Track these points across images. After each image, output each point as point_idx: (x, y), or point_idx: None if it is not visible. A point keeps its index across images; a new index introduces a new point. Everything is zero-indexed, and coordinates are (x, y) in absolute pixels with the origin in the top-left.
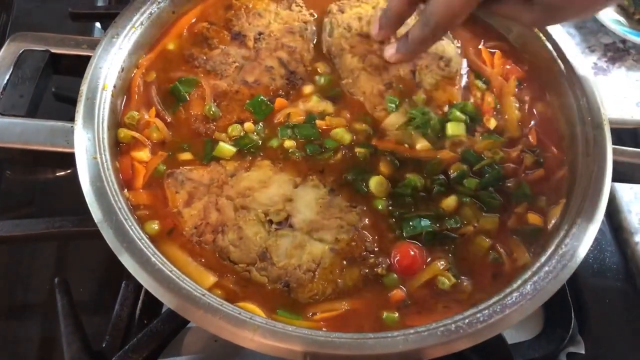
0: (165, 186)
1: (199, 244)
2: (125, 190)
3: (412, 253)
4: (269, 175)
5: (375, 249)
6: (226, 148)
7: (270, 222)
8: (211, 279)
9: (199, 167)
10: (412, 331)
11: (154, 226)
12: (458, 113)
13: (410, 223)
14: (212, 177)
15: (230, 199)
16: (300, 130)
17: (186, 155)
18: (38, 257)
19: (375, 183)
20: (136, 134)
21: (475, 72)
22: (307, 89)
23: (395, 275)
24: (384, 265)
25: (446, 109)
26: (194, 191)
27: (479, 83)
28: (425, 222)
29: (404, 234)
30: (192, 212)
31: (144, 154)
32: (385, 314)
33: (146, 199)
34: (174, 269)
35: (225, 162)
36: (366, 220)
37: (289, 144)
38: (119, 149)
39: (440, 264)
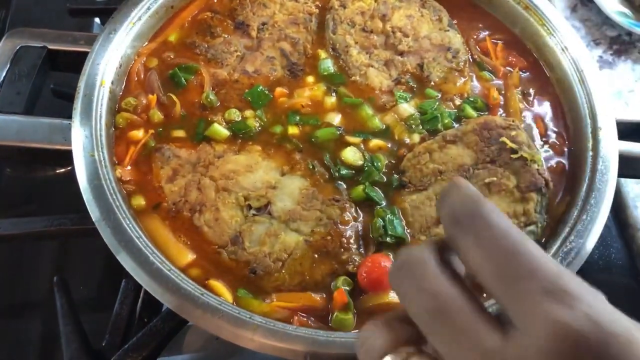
0: (152, 160)
1: (175, 220)
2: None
3: (385, 266)
4: (257, 160)
5: (352, 246)
6: (219, 130)
7: (249, 207)
8: (189, 256)
9: (189, 146)
10: None
11: (140, 201)
12: (470, 110)
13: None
14: (199, 156)
15: (213, 180)
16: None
17: (179, 133)
18: (38, 255)
19: (349, 153)
20: (133, 116)
21: (479, 63)
22: (310, 78)
23: (346, 279)
24: (356, 263)
25: (457, 101)
26: (179, 168)
27: (486, 74)
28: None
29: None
30: (174, 189)
31: (139, 133)
32: (337, 315)
33: (134, 174)
34: (173, 267)
35: (215, 143)
36: (347, 216)
37: (293, 130)
38: (114, 130)
39: None
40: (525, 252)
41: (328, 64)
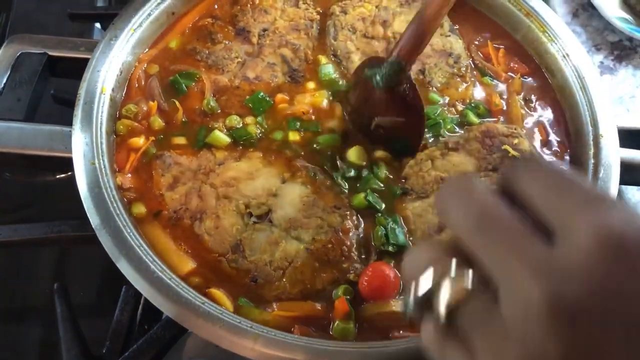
0: (153, 168)
1: (175, 228)
2: (116, 173)
3: (386, 275)
4: (258, 167)
5: (353, 255)
6: (220, 136)
7: (250, 214)
8: (189, 265)
9: (189, 153)
10: (416, 340)
11: (141, 209)
12: (472, 116)
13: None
14: (200, 163)
15: (213, 187)
16: (306, 125)
17: (180, 139)
18: (38, 260)
19: (354, 153)
20: (134, 123)
21: (481, 68)
22: (311, 85)
23: (347, 287)
24: (357, 271)
25: (459, 107)
26: (180, 175)
27: (488, 80)
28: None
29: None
30: (174, 196)
31: (140, 140)
32: (338, 323)
33: (134, 182)
34: (173, 276)
35: (216, 150)
36: (348, 224)
37: (294, 137)
38: (115, 137)
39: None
40: (572, 177)
41: (329, 70)
